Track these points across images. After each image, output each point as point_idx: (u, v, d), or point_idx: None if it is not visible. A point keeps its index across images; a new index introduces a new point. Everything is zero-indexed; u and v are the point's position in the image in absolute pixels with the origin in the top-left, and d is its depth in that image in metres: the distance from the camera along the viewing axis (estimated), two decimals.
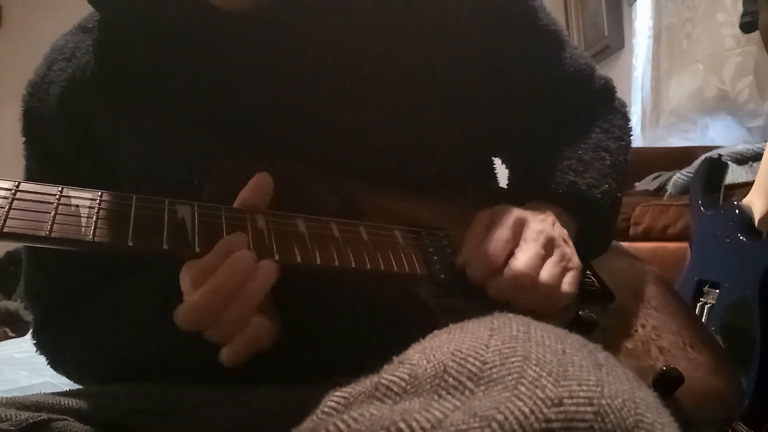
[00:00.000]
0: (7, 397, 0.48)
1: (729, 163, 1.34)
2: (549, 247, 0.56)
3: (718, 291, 1.06)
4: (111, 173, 0.59)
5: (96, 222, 0.41)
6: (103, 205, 0.43)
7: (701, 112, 1.92)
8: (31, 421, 0.44)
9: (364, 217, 0.54)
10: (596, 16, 2.65)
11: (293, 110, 0.58)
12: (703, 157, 1.40)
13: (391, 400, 0.31)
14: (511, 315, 0.36)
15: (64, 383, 0.67)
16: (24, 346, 1.81)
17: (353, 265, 0.49)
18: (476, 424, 0.27)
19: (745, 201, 1.08)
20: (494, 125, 0.70)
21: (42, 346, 0.66)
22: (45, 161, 0.62)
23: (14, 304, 2.72)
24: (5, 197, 0.40)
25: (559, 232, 0.58)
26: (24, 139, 0.63)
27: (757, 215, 1.03)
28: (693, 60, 1.93)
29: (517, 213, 0.57)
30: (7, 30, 3.32)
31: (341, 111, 0.59)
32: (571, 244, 0.59)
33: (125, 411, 0.50)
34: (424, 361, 0.32)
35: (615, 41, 2.54)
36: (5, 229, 0.38)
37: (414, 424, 0.27)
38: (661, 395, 0.48)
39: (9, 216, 0.39)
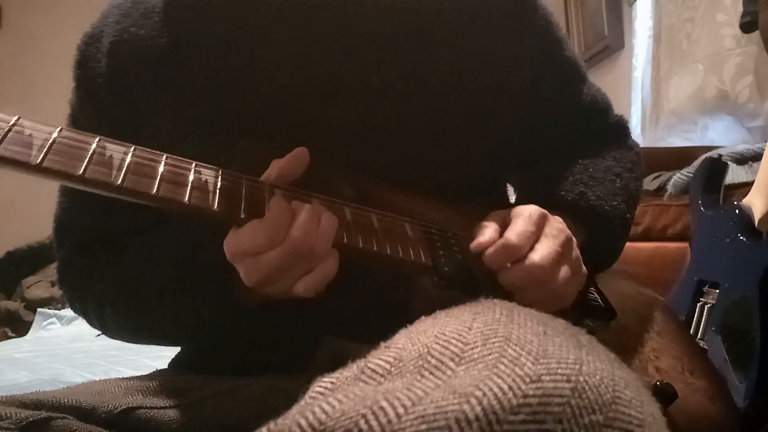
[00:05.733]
0: (6, 396, 0.48)
1: (729, 163, 1.34)
2: (567, 246, 0.56)
3: (718, 291, 1.06)
4: (146, 129, 0.61)
5: (126, 171, 0.45)
6: (135, 157, 0.46)
7: (701, 112, 1.91)
8: (31, 419, 0.44)
9: (376, 209, 0.56)
10: (596, 16, 2.65)
11: (322, 100, 0.60)
12: (703, 157, 1.39)
13: (375, 381, 0.31)
14: (496, 300, 0.37)
15: (64, 382, 0.67)
16: (24, 346, 1.81)
17: (361, 245, 0.51)
18: (455, 401, 0.27)
19: (745, 201, 1.08)
20: (509, 144, 0.71)
21: (67, 282, 0.67)
22: (90, 108, 0.65)
23: (14, 304, 2.72)
24: (47, 139, 0.44)
25: (573, 238, 0.59)
26: (74, 84, 0.66)
27: (757, 215, 1.03)
28: (693, 60, 1.93)
29: (538, 210, 0.57)
30: (7, 30, 3.32)
31: (366, 105, 0.60)
32: (578, 252, 0.59)
33: (125, 408, 0.50)
34: (409, 344, 0.33)
35: (615, 41, 2.54)
36: (44, 164, 0.42)
37: (396, 402, 0.28)
38: None
39: (48, 155, 0.43)
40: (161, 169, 0.47)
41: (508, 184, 0.80)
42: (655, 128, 2.22)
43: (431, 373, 0.30)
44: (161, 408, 0.52)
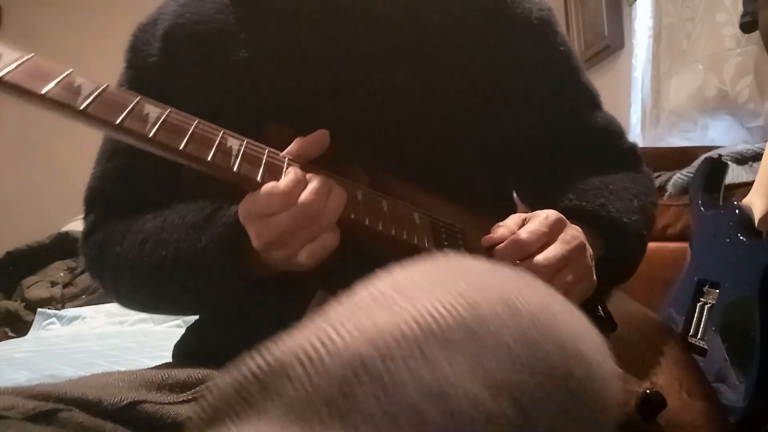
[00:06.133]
0: (13, 387, 0.48)
1: (729, 163, 1.34)
2: (578, 252, 0.57)
3: (718, 291, 1.05)
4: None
5: (159, 127, 0.49)
6: (169, 117, 0.51)
7: (701, 112, 1.91)
8: (37, 410, 0.45)
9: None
10: (596, 16, 2.64)
11: (347, 89, 0.62)
12: (703, 157, 1.39)
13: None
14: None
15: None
16: (24, 346, 1.81)
17: (367, 222, 0.54)
18: (397, 309, 0.29)
19: (745, 201, 1.08)
20: (524, 154, 0.73)
21: (89, 246, 0.70)
22: (136, 86, 0.67)
23: (14, 304, 2.72)
24: (93, 91, 0.48)
25: (587, 247, 0.59)
26: (124, 66, 0.72)
27: (757, 215, 1.03)
28: (693, 60, 1.93)
29: (558, 215, 0.58)
30: (7, 30, 3.31)
31: (388, 97, 0.62)
32: (592, 262, 0.59)
33: (131, 400, 0.50)
34: (364, 288, 0.33)
35: (615, 41, 2.54)
36: (89, 110, 0.47)
37: (341, 328, 0.29)
38: (644, 418, 0.48)
39: (92, 103, 0.47)
40: (191, 129, 0.51)
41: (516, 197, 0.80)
42: (655, 128, 2.22)
43: (380, 306, 0.31)
44: (166, 402, 0.52)
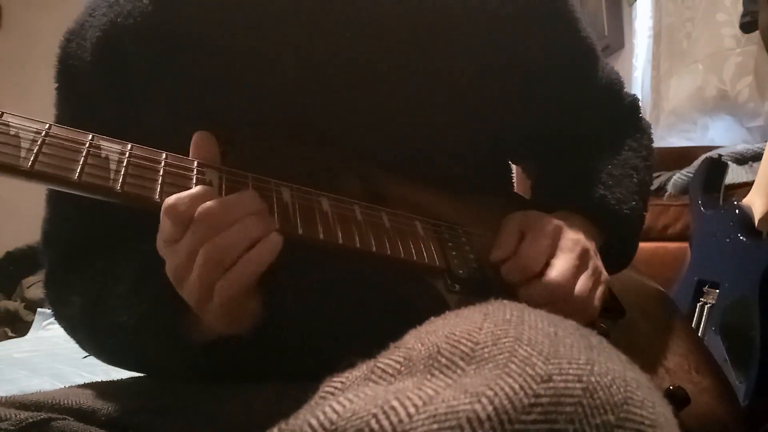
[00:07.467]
0: (6, 397, 0.47)
1: (729, 163, 1.34)
2: (584, 258, 0.56)
3: (718, 291, 1.05)
4: (137, 124, 0.58)
5: (125, 174, 0.41)
6: (132, 157, 0.43)
7: (701, 112, 1.91)
8: (30, 420, 0.44)
9: (384, 204, 0.54)
10: (596, 16, 2.64)
11: (327, 89, 0.58)
12: (703, 157, 1.39)
13: (386, 381, 0.31)
14: (505, 301, 0.36)
15: (65, 382, 0.66)
16: (24, 346, 1.81)
17: (374, 249, 0.49)
18: (466, 400, 0.27)
19: (745, 201, 1.08)
20: (524, 131, 0.70)
21: (47, 298, 0.65)
22: (74, 107, 0.62)
23: (14, 304, 2.72)
24: (35, 140, 0.39)
25: (591, 244, 0.59)
26: (56, 85, 0.62)
27: (757, 215, 1.03)
28: (693, 60, 1.93)
29: (554, 221, 0.57)
30: (7, 30, 3.31)
31: (373, 94, 0.59)
32: (599, 257, 0.59)
33: (126, 409, 0.50)
34: (419, 344, 0.32)
35: (615, 41, 2.54)
36: (36, 167, 0.38)
37: (407, 401, 0.28)
38: None
39: (40, 157, 0.39)
40: (162, 169, 0.44)
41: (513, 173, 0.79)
42: (655, 128, 2.20)
43: (441, 372, 0.30)
44: (163, 411, 0.51)
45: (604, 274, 0.59)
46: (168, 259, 0.45)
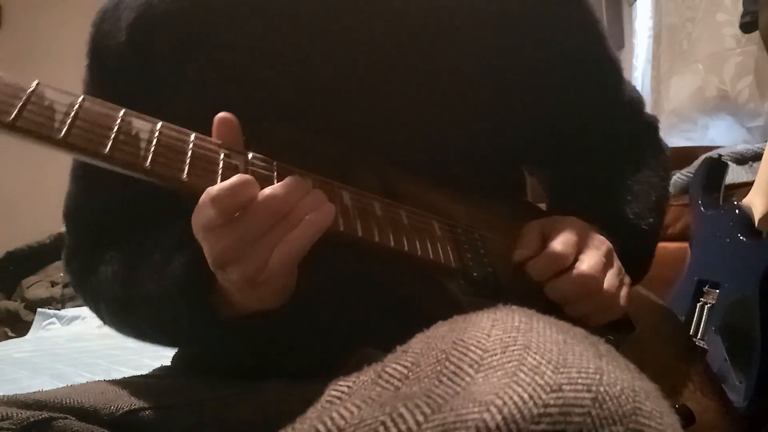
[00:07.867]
0: (8, 396, 0.47)
1: (729, 163, 1.34)
2: (610, 257, 0.56)
3: (718, 291, 1.05)
4: (161, 110, 0.58)
5: (155, 152, 0.42)
6: (162, 136, 0.43)
7: (701, 112, 1.91)
8: (32, 419, 0.44)
9: (401, 202, 0.54)
10: None
11: (348, 87, 0.59)
12: (703, 157, 1.39)
13: (393, 386, 0.31)
14: (514, 307, 0.36)
15: (65, 383, 0.66)
16: (24, 346, 1.81)
17: (392, 244, 0.49)
18: (475, 409, 0.27)
19: (745, 201, 1.08)
20: (544, 141, 0.70)
21: (69, 271, 0.66)
22: (103, 86, 0.62)
23: (14, 304, 2.72)
24: (68, 112, 0.39)
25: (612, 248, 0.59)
26: (87, 62, 0.63)
27: (757, 215, 1.03)
28: (693, 60, 1.93)
29: (578, 222, 0.57)
30: (7, 30, 3.32)
31: (387, 92, 0.59)
32: (620, 263, 0.59)
33: (128, 409, 0.50)
34: (427, 349, 0.32)
35: (615, 41, 2.53)
36: (69, 138, 0.38)
37: (415, 409, 0.27)
38: None
39: (73, 129, 0.39)
40: (190, 150, 0.43)
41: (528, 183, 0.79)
42: None
43: (450, 379, 0.30)
44: (165, 411, 0.51)
45: (628, 277, 0.58)
46: (209, 242, 0.44)
